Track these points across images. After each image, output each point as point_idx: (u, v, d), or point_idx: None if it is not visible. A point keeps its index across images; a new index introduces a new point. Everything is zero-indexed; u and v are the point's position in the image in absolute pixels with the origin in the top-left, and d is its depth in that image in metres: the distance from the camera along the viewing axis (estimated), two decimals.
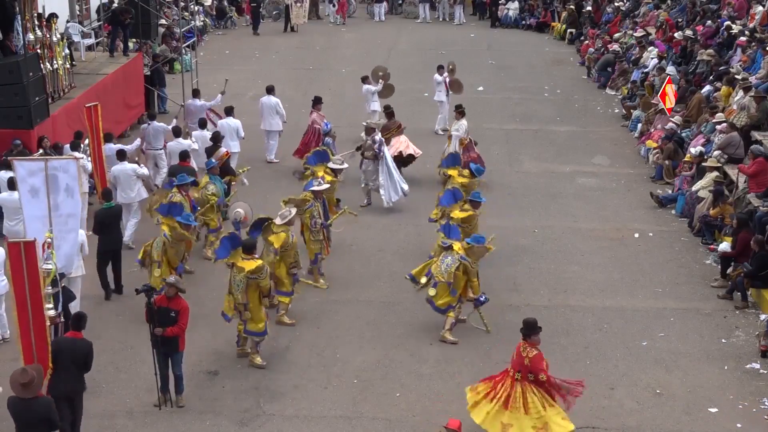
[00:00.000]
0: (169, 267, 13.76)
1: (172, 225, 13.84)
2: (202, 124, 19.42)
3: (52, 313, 11.12)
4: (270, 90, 21.21)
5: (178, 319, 11.41)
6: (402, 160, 19.40)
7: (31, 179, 12.28)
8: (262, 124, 21.07)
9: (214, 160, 16.65)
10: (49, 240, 11.64)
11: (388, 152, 18.42)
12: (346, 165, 17.12)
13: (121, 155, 16.67)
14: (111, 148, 17.22)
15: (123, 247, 15.18)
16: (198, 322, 13.74)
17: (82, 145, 17.25)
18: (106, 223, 14.48)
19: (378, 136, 18.36)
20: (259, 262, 12.56)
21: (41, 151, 16.64)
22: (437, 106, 23.62)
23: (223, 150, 17.88)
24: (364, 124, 19.61)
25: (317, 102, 20.53)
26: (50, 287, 11.23)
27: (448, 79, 23.01)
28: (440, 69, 23.47)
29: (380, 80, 22.82)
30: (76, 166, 12.75)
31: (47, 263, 11.31)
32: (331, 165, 16.55)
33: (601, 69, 28.98)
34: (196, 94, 21.42)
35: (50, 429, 9.62)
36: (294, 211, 14.12)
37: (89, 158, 16.88)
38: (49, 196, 12.29)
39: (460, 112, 19.76)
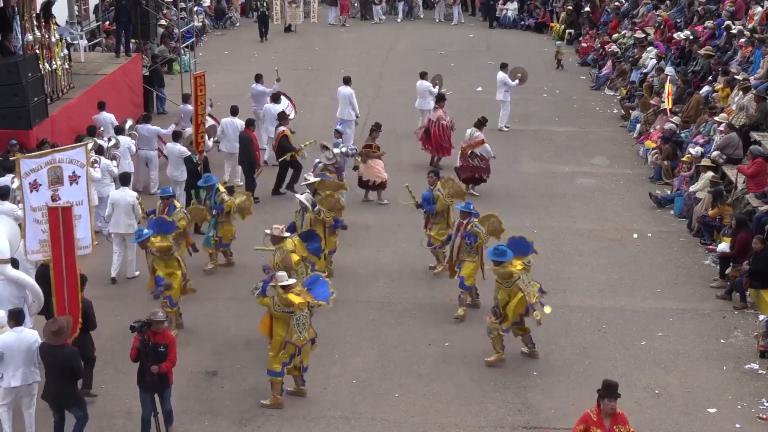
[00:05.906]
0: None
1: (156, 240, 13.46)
2: (234, 112, 19.85)
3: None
4: (347, 81, 21.92)
5: (168, 353, 10.96)
6: (369, 186, 18.93)
7: (33, 175, 12.79)
8: (338, 112, 21.81)
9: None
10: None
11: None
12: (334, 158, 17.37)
13: (176, 136, 18.21)
14: (149, 129, 19.13)
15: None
16: (197, 322, 13.77)
17: (126, 129, 18.71)
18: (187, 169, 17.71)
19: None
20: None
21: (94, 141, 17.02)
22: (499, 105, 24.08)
23: (281, 128, 19.10)
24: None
25: (440, 99, 21.22)
26: None
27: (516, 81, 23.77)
28: (504, 67, 24.03)
29: (436, 84, 22.94)
30: (85, 152, 13.11)
31: None
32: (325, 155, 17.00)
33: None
34: (258, 78, 22.06)
35: (72, 378, 10.60)
36: (282, 228, 13.55)
37: (133, 141, 18.55)
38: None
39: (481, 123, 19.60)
